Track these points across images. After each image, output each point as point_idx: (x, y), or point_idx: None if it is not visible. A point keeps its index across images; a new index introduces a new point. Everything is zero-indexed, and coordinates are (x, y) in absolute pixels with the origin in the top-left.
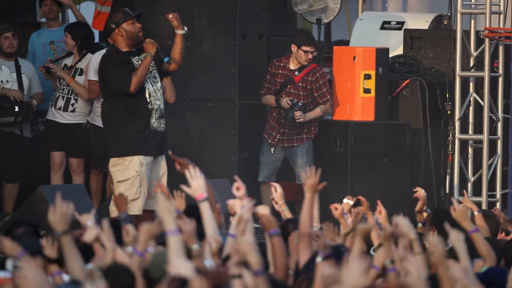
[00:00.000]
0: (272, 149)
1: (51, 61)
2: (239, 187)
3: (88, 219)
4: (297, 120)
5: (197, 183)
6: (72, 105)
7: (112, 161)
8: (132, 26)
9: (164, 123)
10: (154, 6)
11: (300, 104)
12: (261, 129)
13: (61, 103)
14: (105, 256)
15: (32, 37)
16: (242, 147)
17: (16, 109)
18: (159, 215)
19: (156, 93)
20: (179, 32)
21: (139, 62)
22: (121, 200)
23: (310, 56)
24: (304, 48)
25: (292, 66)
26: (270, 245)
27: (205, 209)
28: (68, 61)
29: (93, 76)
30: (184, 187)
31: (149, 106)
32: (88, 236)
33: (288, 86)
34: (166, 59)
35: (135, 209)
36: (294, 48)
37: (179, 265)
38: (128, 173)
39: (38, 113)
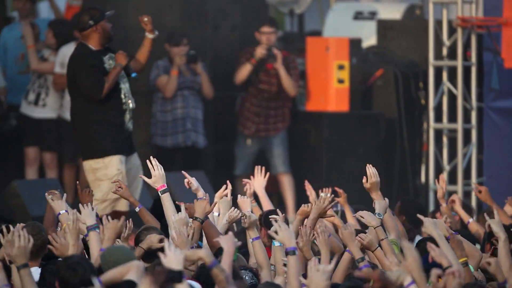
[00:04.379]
0: (248, 141)
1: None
2: (189, 182)
3: (61, 208)
4: (278, 57)
5: (158, 173)
6: (43, 99)
7: (89, 163)
8: (107, 24)
9: (132, 123)
10: None
11: (274, 48)
12: (235, 121)
13: (32, 97)
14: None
15: (4, 31)
16: (216, 139)
17: None
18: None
19: (129, 93)
20: (150, 36)
21: (110, 61)
22: (85, 197)
23: (271, 37)
24: (264, 29)
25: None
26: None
27: (166, 200)
28: (46, 53)
29: (58, 68)
30: (144, 178)
31: (123, 106)
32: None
33: (260, 73)
34: (133, 75)
35: (122, 206)
36: (257, 35)
37: (172, 257)
38: (110, 171)
39: (9, 107)
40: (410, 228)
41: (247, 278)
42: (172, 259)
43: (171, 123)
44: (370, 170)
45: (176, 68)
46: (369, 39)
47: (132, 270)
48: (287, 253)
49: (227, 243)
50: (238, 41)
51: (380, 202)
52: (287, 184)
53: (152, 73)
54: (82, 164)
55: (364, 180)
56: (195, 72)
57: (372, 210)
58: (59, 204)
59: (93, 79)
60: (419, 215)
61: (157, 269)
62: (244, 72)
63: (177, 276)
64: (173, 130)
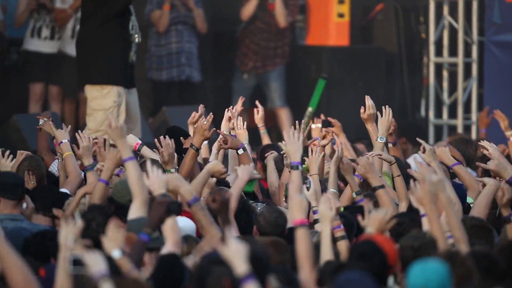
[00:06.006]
0: (245, 75)
1: None
2: (231, 117)
3: (63, 137)
4: None
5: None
6: (58, 32)
7: (89, 88)
8: None
9: (135, 57)
10: None
11: None
12: (234, 56)
13: (46, 32)
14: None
15: None
16: (215, 73)
17: None
18: (114, 142)
19: (136, 28)
20: None
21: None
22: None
23: None
24: None
25: None
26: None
27: (146, 151)
28: None
29: (59, 3)
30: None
31: (130, 38)
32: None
33: (262, 12)
34: None
35: None
36: None
37: (155, 179)
38: (106, 102)
39: (10, 41)
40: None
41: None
42: (155, 181)
43: (166, 58)
44: (369, 101)
45: (168, 2)
46: None
47: (140, 201)
48: (291, 167)
49: (243, 171)
50: None
51: (383, 122)
52: (284, 118)
53: (146, 8)
54: (81, 98)
55: (362, 111)
56: (189, 7)
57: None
58: (61, 133)
59: None
60: (418, 139)
61: (157, 199)
62: (250, 6)
63: (177, 208)
64: (168, 64)
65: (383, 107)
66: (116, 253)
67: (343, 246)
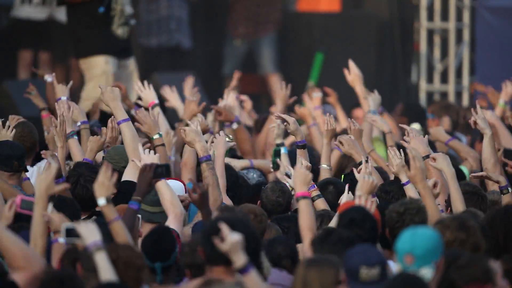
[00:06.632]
0: (237, 41)
1: None
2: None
3: (63, 93)
4: None
5: (146, 93)
6: None
7: (79, 62)
8: None
9: (127, 31)
10: None
11: None
12: (225, 22)
13: None
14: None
15: None
16: (206, 39)
17: None
18: (108, 105)
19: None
20: None
21: None
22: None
23: None
24: None
25: None
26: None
27: (156, 112)
28: None
29: None
30: (136, 101)
31: (111, 12)
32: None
33: None
34: None
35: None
36: None
37: (146, 157)
38: (94, 71)
39: None
40: None
41: (254, 176)
42: (148, 161)
43: (155, 23)
44: (351, 63)
45: None
46: None
47: (133, 166)
48: (296, 146)
49: (218, 146)
50: None
51: (374, 98)
52: (275, 84)
53: None
54: (72, 64)
55: (346, 72)
56: None
57: None
58: (62, 89)
59: None
60: (401, 125)
61: (144, 165)
62: None
63: (165, 171)
64: (157, 30)
65: (375, 90)
66: (101, 201)
67: (320, 205)
